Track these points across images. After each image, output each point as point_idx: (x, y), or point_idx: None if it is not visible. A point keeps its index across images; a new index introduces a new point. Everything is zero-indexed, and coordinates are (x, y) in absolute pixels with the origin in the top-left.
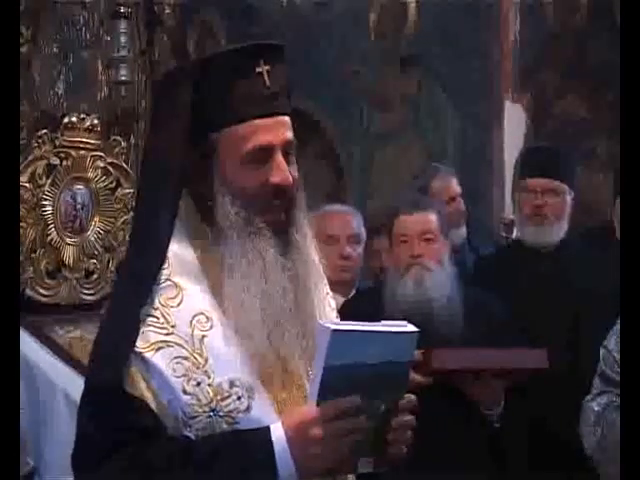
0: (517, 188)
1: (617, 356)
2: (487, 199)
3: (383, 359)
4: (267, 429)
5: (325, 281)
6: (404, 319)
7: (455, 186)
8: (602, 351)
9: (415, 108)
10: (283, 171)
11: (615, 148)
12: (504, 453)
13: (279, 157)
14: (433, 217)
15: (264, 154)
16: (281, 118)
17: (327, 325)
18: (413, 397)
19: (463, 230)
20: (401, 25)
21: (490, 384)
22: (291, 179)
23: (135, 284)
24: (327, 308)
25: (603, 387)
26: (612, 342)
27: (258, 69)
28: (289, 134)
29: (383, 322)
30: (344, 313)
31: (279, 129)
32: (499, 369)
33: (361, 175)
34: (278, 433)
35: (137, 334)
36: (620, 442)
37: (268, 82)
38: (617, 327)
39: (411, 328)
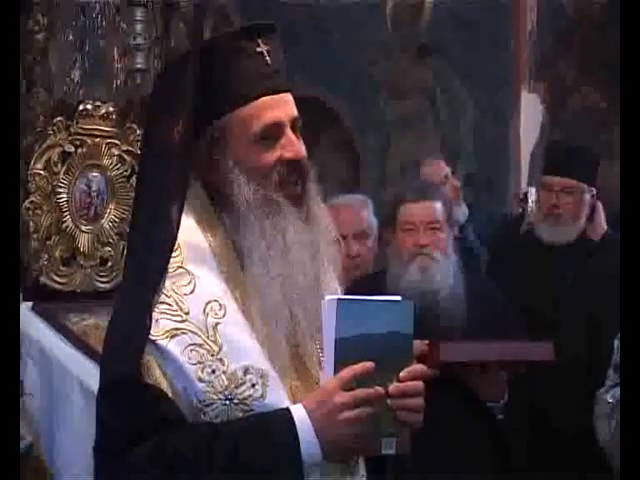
0: (539, 185)
1: None
2: (503, 188)
3: (389, 329)
4: (287, 410)
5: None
6: None
7: (444, 166)
8: (616, 342)
9: (431, 97)
10: (295, 145)
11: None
12: (508, 445)
13: (289, 132)
14: (439, 206)
15: (274, 131)
16: (285, 95)
17: (333, 297)
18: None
19: (464, 207)
20: (418, 14)
21: (496, 376)
22: (304, 153)
23: (144, 274)
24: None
25: (617, 379)
26: None
27: (258, 49)
28: (294, 110)
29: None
30: None
31: (285, 105)
32: (505, 361)
33: (377, 164)
34: (299, 412)
35: (150, 324)
36: (620, 433)
37: (270, 60)
38: None
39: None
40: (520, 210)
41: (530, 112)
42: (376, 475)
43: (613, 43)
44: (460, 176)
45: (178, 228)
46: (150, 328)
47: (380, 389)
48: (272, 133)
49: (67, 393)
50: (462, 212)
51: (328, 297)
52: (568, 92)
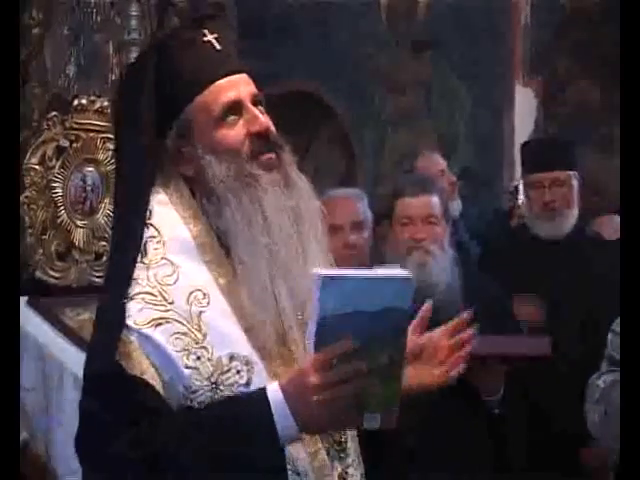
0: (526, 184)
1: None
2: (498, 181)
3: (381, 306)
4: (263, 390)
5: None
6: None
7: (440, 161)
8: (610, 335)
9: (428, 92)
10: (259, 119)
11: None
12: (505, 439)
13: (251, 108)
14: (436, 200)
15: (234, 109)
16: (239, 75)
17: (317, 272)
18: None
19: (458, 202)
20: (414, 9)
21: (493, 370)
22: (268, 124)
23: (119, 266)
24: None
25: (609, 367)
26: (619, 326)
27: (205, 38)
28: (253, 88)
29: (376, 268)
30: None
31: (241, 85)
32: (503, 355)
33: (373, 159)
34: (273, 389)
35: (124, 314)
36: (620, 422)
37: (218, 46)
38: None
39: (405, 273)
40: (511, 204)
41: (525, 106)
42: (373, 464)
43: (608, 38)
44: (456, 168)
45: (145, 222)
46: (125, 317)
47: (361, 367)
48: (233, 112)
49: (62, 387)
50: (457, 206)
51: (315, 270)
52: (563, 86)
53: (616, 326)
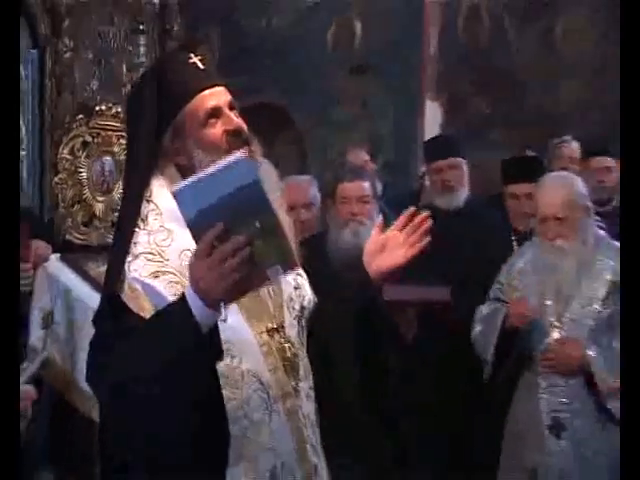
0: (428, 170)
1: (504, 282)
2: (411, 169)
3: (233, 187)
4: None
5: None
6: (344, 263)
7: (364, 154)
8: (495, 285)
9: (362, 104)
10: (233, 120)
11: (508, 135)
12: (416, 364)
13: (227, 112)
14: (367, 184)
15: (215, 113)
16: (218, 88)
17: (170, 191)
18: None
19: (380, 185)
20: (351, 40)
21: (408, 313)
22: (241, 124)
23: (123, 230)
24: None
25: (491, 302)
26: (502, 275)
27: (191, 60)
28: (229, 97)
29: (218, 162)
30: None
31: (219, 95)
32: (412, 300)
33: (321, 154)
34: (186, 290)
35: (125, 259)
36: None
37: (202, 66)
38: (507, 264)
39: (238, 154)
40: (420, 186)
41: (433, 115)
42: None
43: (496, 65)
44: (380, 162)
45: (146, 199)
46: (126, 261)
47: (239, 240)
48: (214, 115)
49: (85, 320)
50: (379, 188)
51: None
52: (460, 101)
53: (500, 276)
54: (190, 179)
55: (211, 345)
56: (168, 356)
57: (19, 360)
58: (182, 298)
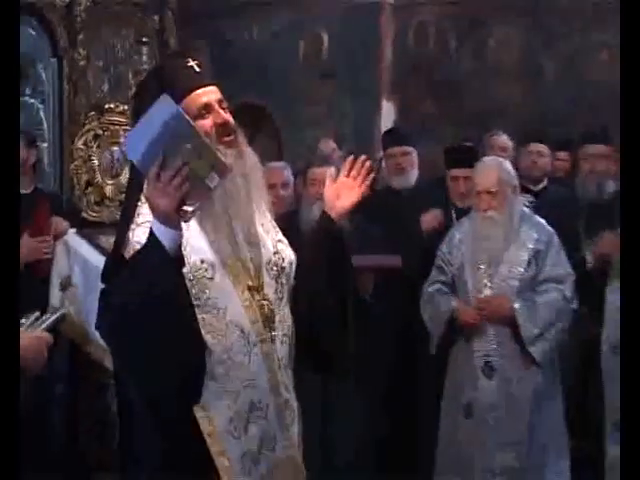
0: (384, 156)
1: (446, 253)
2: (370, 157)
3: (160, 123)
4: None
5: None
6: (313, 235)
7: (332, 144)
8: (438, 252)
9: (330, 104)
10: (222, 114)
11: (450, 130)
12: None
13: (217, 107)
14: (333, 169)
15: (207, 108)
16: (210, 87)
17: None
18: None
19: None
20: (320, 51)
21: (364, 275)
22: (228, 118)
23: (129, 203)
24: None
25: (437, 276)
26: (444, 247)
27: (189, 64)
28: (219, 95)
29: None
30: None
31: (210, 93)
32: (368, 266)
33: (294, 145)
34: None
35: (129, 229)
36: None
37: (197, 68)
38: (449, 235)
39: (161, 98)
40: (377, 170)
41: (388, 113)
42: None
43: (440, 72)
44: (344, 150)
45: (144, 179)
46: (130, 229)
47: (177, 163)
48: (206, 110)
49: (98, 285)
50: None
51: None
52: (412, 101)
53: (441, 247)
54: (128, 133)
55: (177, 259)
56: (146, 279)
57: (19, 360)
58: (151, 233)
